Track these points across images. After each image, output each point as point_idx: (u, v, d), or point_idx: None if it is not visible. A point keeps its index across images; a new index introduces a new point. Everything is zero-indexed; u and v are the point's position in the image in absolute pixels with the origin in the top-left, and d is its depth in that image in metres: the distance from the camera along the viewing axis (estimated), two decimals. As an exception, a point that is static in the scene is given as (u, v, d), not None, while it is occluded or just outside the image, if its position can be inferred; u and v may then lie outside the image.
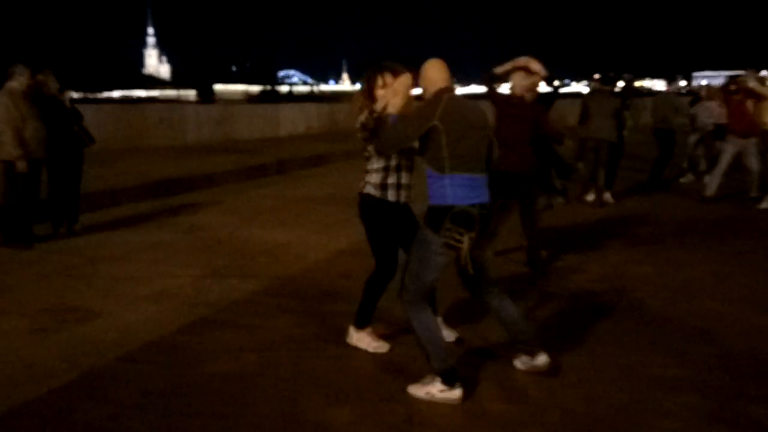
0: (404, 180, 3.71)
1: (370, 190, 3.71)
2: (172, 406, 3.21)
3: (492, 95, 5.53)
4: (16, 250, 6.27)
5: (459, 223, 3.14)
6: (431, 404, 3.23)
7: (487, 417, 3.13)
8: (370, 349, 3.88)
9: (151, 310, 4.62)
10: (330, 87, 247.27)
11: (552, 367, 3.55)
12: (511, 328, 3.55)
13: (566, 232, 7.19)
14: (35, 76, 6.60)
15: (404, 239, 3.74)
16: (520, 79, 5.45)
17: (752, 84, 8.70)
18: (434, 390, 3.25)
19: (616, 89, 9.52)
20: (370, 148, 3.65)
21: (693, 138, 11.43)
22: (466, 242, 3.15)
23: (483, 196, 3.27)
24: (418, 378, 3.39)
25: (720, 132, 9.74)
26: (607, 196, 9.05)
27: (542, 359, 3.52)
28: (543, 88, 6.05)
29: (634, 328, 4.31)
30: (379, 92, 3.65)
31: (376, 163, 3.67)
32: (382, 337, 3.97)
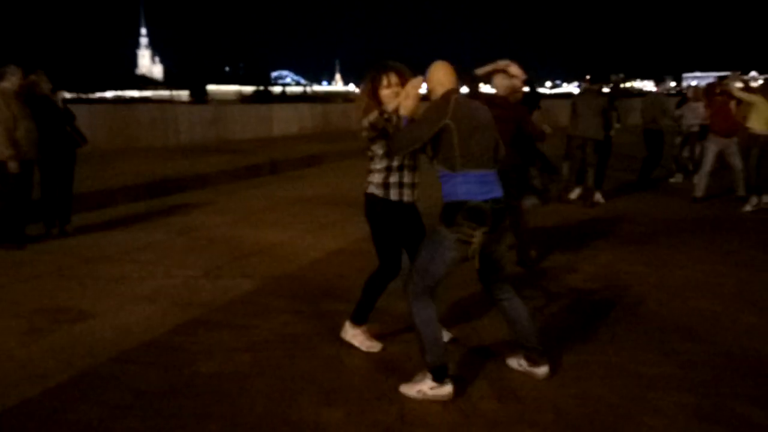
0: (407, 179, 3.72)
1: (373, 189, 3.72)
2: (166, 407, 3.22)
3: (475, 96, 5.58)
4: (8, 250, 6.26)
5: (471, 218, 3.20)
6: (424, 403, 3.25)
7: (480, 415, 3.15)
8: (363, 348, 3.89)
9: (145, 311, 4.62)
10: (323, 87, 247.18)
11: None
12: (517, 330, 3.56)
13: (557, 231, 7.22)
14: (27, 77, 6.60)
15: (409, 238, 3.77)
16: (501, 80, 5.54)
17: (733, 87, 8.86)
18: (425, 387, 3.28)
19: (605, 89, 9.59)
20: (374, 147, 3.67)
21: (678, 139, 11.53)
22: (477, 237, 3.20)
23: (495, 191, 3.34)
24: (411, 377, 3.42)
25: (705, 132, 9.85)
26: (598, 196, 9.11)
27: (543, 370, 3.53)
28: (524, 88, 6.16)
29: (626, 327, 4.34)
30: (384, 92, 3.67)
31: (379, 163, 3.69)
32: (376, 336, 3.99)
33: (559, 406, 3.24)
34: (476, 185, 3.27)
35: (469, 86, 5.52)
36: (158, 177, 10.13)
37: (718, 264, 5.93)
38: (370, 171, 3.76)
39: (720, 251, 6.41)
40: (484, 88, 5.74)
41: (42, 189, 6.92)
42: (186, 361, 3.76)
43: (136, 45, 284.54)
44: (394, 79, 3.67)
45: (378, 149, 3.66)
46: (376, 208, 3.73)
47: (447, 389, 3.27)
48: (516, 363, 3.63)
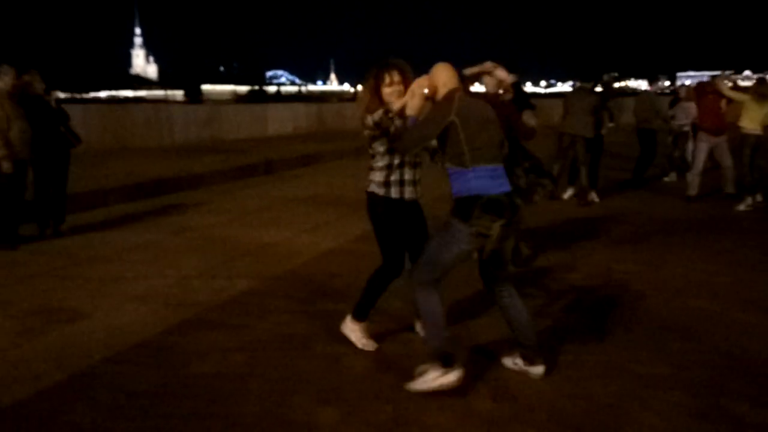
0: (407, 176, 3.72)
1: (374, 188, 3.72)
2: (160, 407, 3.21)
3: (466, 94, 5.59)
4: (1, 251, 6.23)
5: (490, 210, 3.21)
6: (418, 403, 3.24)
7: (474, 415, 3.15)
8: (359, 344, 3.90)
9: (139, 311, 4.60)
10: (318, 87, 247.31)
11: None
12: (516, 329, 3.57)
13: (552, 231, 7.23)
14: (21, 76, 6.57)
15: (411, 235, 3.77)
16: (489, 78, 5.56)
17: (723, 86, 8.91)
18: (429, 379, 3.29)
19: (597, 88, 9.61)
20: (375, 145, 3.66)
21: (669, 139, 11.57)
22: (496, 230, 3.21)
23: (505, 185, 3.37)
24: (406, 376, 3.41)
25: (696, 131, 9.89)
26: (593, 195, 9.14)
27: (538, 370, 3.54)
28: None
29: (620, 326, 4.34)
30: (385, 90, 3.66)
31: (380, 161, 3.69)
32: (373, 336, 3.98)
33: (554, 405, 3.24)
34: (488, 180, 3.29)
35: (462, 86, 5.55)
36: (152, 177, 10.10)
37: (712, 263, 5.94)
38: (372, 169, 3.75)
39: (714, 250, 6.42)
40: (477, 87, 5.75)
41: (35, 189, 6.90)
42: (180, 361, 3.75)
43: (131, 45, 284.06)
44: (396, 77, 3.66)
45: (379, 147, 3.66)
46: (377, 207, 3.73)
47: (452, 377, 3.27)
48: (511, 362, 3.63)
